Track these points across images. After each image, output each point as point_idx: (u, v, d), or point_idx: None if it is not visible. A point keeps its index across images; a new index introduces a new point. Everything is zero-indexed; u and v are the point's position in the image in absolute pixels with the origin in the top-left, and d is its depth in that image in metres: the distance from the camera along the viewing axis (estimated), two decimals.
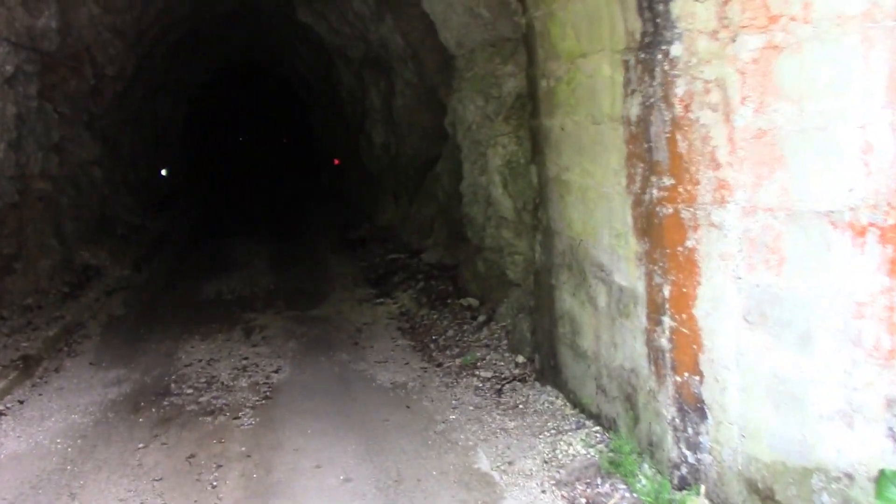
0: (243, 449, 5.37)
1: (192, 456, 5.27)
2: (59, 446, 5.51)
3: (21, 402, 6.40)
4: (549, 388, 6.10)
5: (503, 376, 6.58)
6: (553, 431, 5.36)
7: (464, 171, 9.51)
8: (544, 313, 6.21)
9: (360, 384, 6.68)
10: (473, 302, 8.71)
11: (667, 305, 4.31)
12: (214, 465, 5.11)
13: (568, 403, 5.74)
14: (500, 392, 6.24)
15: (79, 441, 5.60)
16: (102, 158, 14.43)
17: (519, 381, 6.46)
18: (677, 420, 4.29)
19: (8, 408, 6.26)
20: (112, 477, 5.00)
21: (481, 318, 8.00)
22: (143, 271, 12.06)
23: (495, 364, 6.85)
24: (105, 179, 14.52)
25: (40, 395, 6.60)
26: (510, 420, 5.66)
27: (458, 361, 7.01)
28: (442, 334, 7.84)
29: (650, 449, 4.56)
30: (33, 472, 5.10)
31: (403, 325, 8.47)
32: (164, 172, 21.49)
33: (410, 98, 14.05)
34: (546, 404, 5.84)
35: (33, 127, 10.23)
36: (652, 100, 4.28)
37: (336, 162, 22.40)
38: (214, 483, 4.87)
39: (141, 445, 5.48)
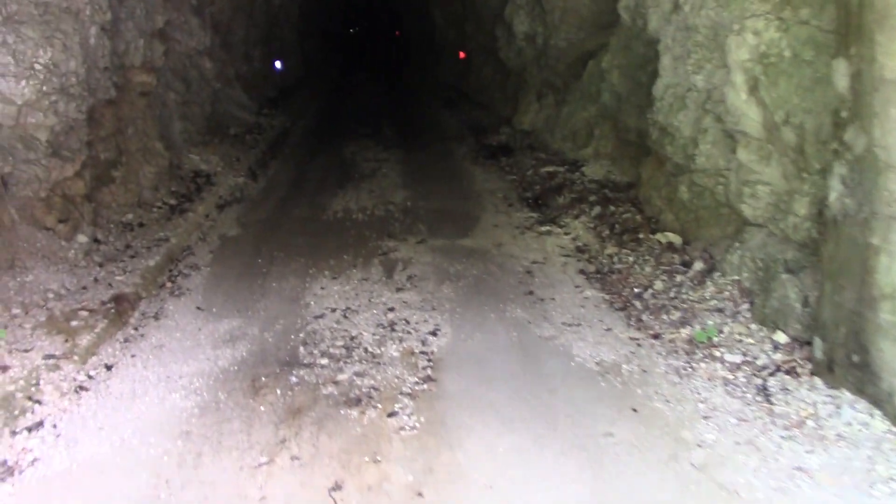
0: (410, 479, 3.63)
1: (336, 488, 3.57)
2: (151, 452, 3.91)
3: (108, 368, 4.84)
4: (844, 392, 4.11)
5: (759, 364, 4.61)
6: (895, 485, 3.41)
7: (661, 68, 7.32)
8: (845, 282, 4.15)
9: (554, 363, 4.84)
10: (675, 239, 6.70)
11: None
12: None
13: None
14: (765, 392, 4.30)
15: (179, 443, 3.98)
16: (213, 49, 12.80)
17: (786, 372, 4.49)
18: None
19: (91, 377, 4.71)
20: None
21: (697, 267, 5.97)
22: (258, 179, 10.45)
23: (741, 342, 4.88)
24: (216, 73, 12.92)
25: (133, 356, 5.04)
26: (806, 451, 3.72)
27: (683, 333, 5.07)
28: (646, 287, 5.87)
29: None
30: (113, 501, 3.52)
31: (586, 268, 6.55)
32: (277, 66, 19.84)
33: None
34: (856, 425, 3.85)
35: (132, 8, 8.54)
36: None
37: (462, 55, 20.22)
38: None
39: (264, 460, 3.82)
